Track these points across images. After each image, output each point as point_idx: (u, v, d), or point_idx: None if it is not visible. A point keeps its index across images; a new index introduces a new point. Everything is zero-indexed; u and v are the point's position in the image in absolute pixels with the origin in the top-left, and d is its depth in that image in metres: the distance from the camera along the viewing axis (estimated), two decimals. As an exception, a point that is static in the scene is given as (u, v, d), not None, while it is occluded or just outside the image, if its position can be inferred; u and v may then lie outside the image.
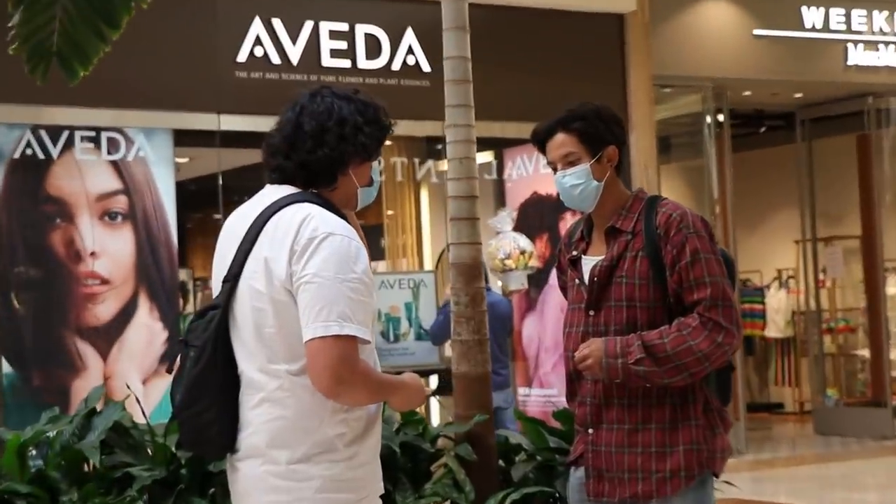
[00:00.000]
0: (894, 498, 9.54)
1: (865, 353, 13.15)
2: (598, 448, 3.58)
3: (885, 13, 12.16)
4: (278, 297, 2.91)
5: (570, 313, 3.69)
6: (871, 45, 12.10)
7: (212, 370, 2.96)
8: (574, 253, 3.71)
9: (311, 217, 2.93)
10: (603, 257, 3.59)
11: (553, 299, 10.84)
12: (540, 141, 3.72)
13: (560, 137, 3.64)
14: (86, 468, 4.54)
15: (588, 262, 3.64)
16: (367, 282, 2.92)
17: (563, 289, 3.84)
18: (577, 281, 3.66)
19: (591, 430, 3.60)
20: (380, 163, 3.22)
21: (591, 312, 3.59)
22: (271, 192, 3.07)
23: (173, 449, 4.50)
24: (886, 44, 12.18)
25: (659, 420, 3.51)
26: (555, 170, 3.68)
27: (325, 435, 2.93)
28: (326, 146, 3.03)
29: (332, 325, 2.83)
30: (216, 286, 3.08)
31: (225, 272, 3.04)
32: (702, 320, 3.43)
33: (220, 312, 2.99)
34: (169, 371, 3.12)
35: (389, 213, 11.61)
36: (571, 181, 3.62)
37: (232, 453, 3.02)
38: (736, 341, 3.48)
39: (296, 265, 2.88)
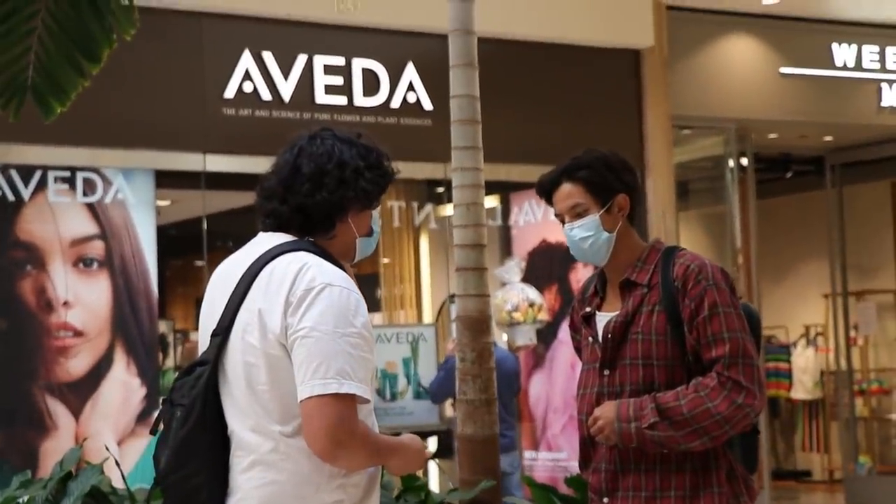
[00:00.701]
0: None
1: (904, 416, 13.18)
2: None
3: (923, 50, 12.26)
4: (272, 351, 2.93)
5: (584, 374, 3.72)
6: (907, 85, 12.20)
7: (201, 430, 2.98)
8: (587, 309, 3.74)
9: (308, 267, 2.96)
10: (618, 313, 3.61)
11: (562, 355, 10.84)
12: (546, 192, 3.78)
13: (566, 188, 3.70)
14: (60, 538, 4.54)
15: (602, 319, 3.68)
16: (367, 336, 2.95)
17: (578, 349, 3.87)
18: (590, 339, 3.69)
19: (606, 499, 3.61)
20: (379, 212, 3.25)
21: (606, 372, 3.61)
22: (265, 240, 3.11)
23: (156, 516, 4.49)
24: (923, 83, 12.28)
25: (679, 487, 3.53)
26: (563, 222, 3.71)
27: (322, 503, 2.93)
28: (325, 189, 3.07)
29: (331, 382, 2.85)
30: (203, 340, 3.10)
31: (214, 325, 3.06)
32: (720, 380, 3.45)
33: (209, 368, 3.01)
34: (152, 432, 3.13)
35: (386, 261, 11.63)
36: (581, 234, 3.66)
37: (225, 523, 3.03)
38: (758, 402, 3.50)
39: (291, 318, 2.91)
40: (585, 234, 3.65)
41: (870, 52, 11.98)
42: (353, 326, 2.91)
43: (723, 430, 3.45)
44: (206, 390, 2.99)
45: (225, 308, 3.04)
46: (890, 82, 12.09)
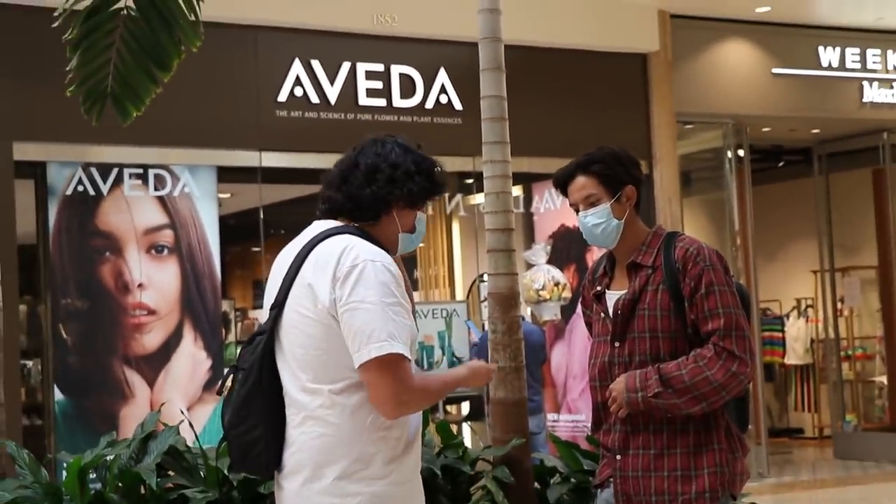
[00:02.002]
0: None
1: (883, 379, 13.08)
2: (625, 474, 3.63)
3: (900, 52, 12.19)
4: (323, 321, 2.96)
5: (596, 345, 3.75)
6: (886, 83, 12.12)
7: (258, 390, 3.02)
8: (598, 288, 3.77)
9: (352, 247, 3.00)
10: (626, 291, 3.65)
11: (580, 328, 10.85)
12: (561, 184, 3.80)
13: (580, 180, 3.73)
14: (142, 490, 4.57)
15: (612, 297, 3.71)
16: (406, 305, 2.99)
17: (589, 324, 3.89)
18: (602, 315, 3.72)
19: (619, 457, 3.64)
20: (425, 215, 3.28)
21: (617, 344, 3.65)
22: (317, 226, 3.15)
23: (225, 471, 4.54)
24: (901, 81, 12.21)
25: (683, 445, 3.56)
26: (577, 211, 3.74)
27: (366, 452, 2.96)
28: (376, 184, 3.11)
29: (384, 344, 2.89)
30: (265, 313, 3.14)
31: (272, 300, 3.09)
32: (716, 350, 3.49)
33: (266, 336, 3.06)
34: (219, 393, 3.17)
35: (421, 245, 11.65)
36: (593, 221, 3.70)
37: (278, 472, 3.05)
38: (749, 370, 3.53)
39: (340, 291, 2.94)
40: (597, 221, 3.69)
41: (852, 54, 11.92)
42: (394, 296, 2.95)
43: (720, 395, 3.48)
44: (263, 356, 3.04)
45: (281, 284, 3.08)
46: (870, 80, 12.03)
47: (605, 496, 3.72)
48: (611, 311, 3.67)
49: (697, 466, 3.54)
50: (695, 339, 3.55)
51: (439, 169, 3.20)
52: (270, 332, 3.04)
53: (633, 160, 3.80)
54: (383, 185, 3.10)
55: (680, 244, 3.61)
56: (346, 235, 3.03)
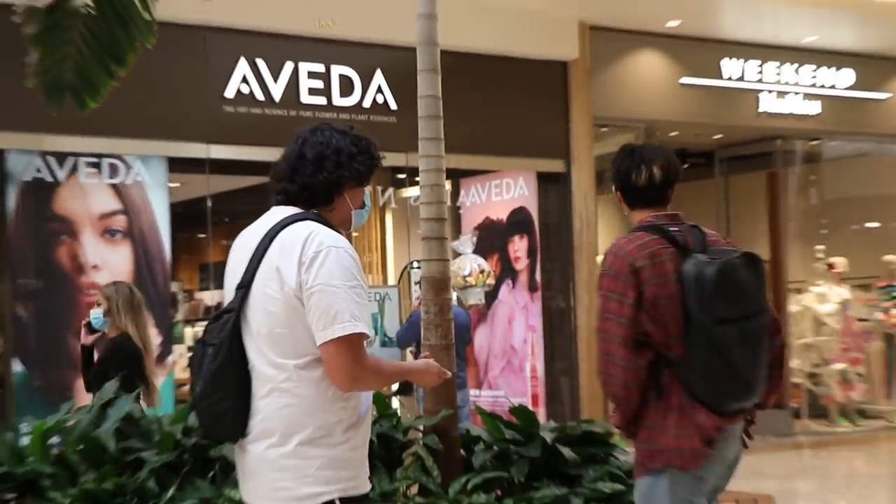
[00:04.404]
0: (791, 486, 9.72)
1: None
2: None
3: (794, 66, 12.41)
4: (288, 301, 2.98)
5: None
6: (781, 94, 12.34)
7: (227, 365, 3.03)
8: None
9: (316, 233, 3.01)
10: None
11: (501, 312, 10.95)
12: None
13: None
14: (102, 453, 4.57)
15: None
16: (365, 287, 3.03)
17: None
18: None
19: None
20: (370, 190, 3.32)
21: None
22: (278, 212, 3.15)
23: (178, 436, 4.55)
24: (794, 93, 12.43)
25: (638, 417, 3.64)
26: None
27: (328, 421, 3.00)
28: (325, 171, 3.12)
29: (347, 324, 2.92)
30: (228, 292, 3.14)
31: (238, 280, 3.11)
32: None
33: (234, 315, 3.06)
34: (188, 367, 3.18)
35: (356, 234, 11.65)
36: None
37: (243, 437, 3.08)
38: (611, 371, 3.57)
39: (305, 275, 2.96)
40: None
41: (752, 67, 12.12)
42: (355, 279, 2.98)
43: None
44: (232, 333, 3.04)
45: (247, 266, 3.08)
46: (767, 91, 12.25)
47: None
48: None
49: (640, 437, 3.66)
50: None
51: (374, 143, 3.25)
52: (238, 310, 3.05)
53: (617, 169, 3.88)
54: (333, 170, 3.12)
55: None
56: (309, 222, 3.05)
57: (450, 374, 3.40)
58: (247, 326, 3.06)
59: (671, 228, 3.69)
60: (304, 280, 2.96)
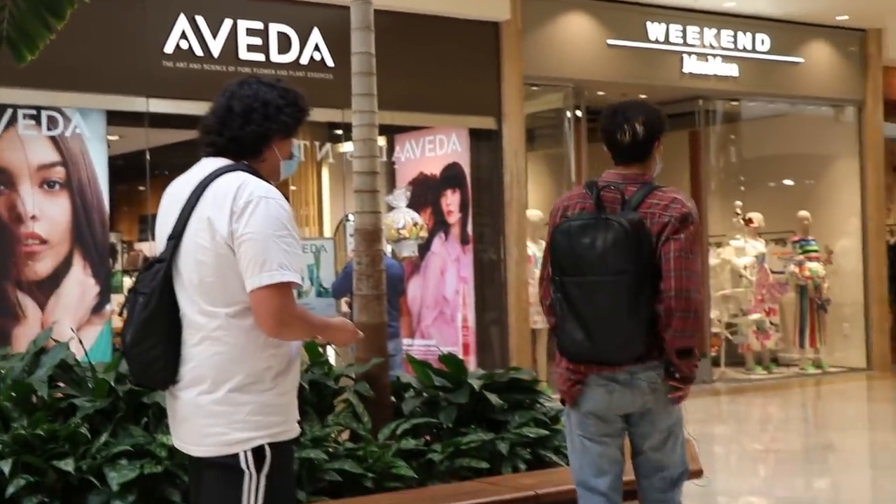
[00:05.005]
0: (710, 430, 9.87)
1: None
2: None
3: (714, 30, 12.46)
4: (220, 251, 2.93)
5: None
6: (703, 57, 12.40)
7: (158, 313, 2.98)
8: None
9: (247, 183, 2.97)
10: None
11: (434, 264, 10.94)
12: None
13: None
14: (34, 399, 4.48)
15: None
16: (296, 237, 2.99)
17: None
18: None
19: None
20: (299, 142, 3.26)
21: None
22: (208, 164, 3.09)
23: (112, 384, 4.46)
24: (714, 56, 12.49)
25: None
26: None
27: (256, 368, 2.97)
28: (253, 123, 3.07)
29: (275, 273, 2.88)
30: (160, 243, 3.09)
31: (169, 231, 3.05)
32: None
33: (165, 265, 3.01)
34: (119, 315, 3.13)
35: (293, 188, 11.56)
36: None
37: (174, 384, 3.03)
38: None
39: (236, 224, 2.91)
40: None
41: (675, 30, 12.15)
42: (286, 229, 2.94)
43: None
44: (164, 282, 2.99)
45: (178, 217, 3.02)
46: (689, 54, 12.29)
47: None
48: None
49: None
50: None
51: (301, 95, 3.18)
52: (169, 260, 3.00)
53: (603, 129, 3.92)
54: (260, 123, 3.07)
55: None
56: (240, 173, 3.00)
57: (362, 335, 3.36)
58: (178, 276, 3.02)
59: (608, 186, 3.77)
60: (235, 229, 2.91)
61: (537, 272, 3.97)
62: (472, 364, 10.19)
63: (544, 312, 3.91)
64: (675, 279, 3.62)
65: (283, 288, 2.90)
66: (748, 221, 13.13)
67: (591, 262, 3.64)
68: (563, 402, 3.88)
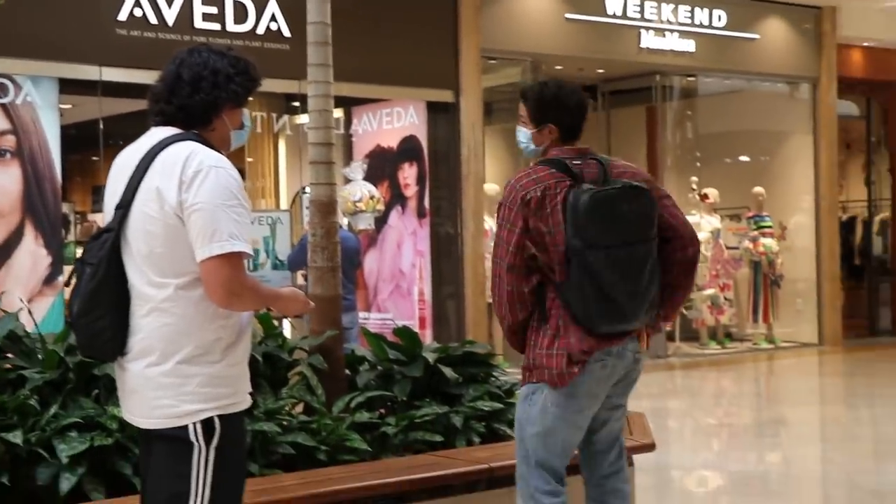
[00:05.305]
0: (663, 405, 9.95)
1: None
2: None
3: (672, 5, 12.47)
4: (169, 221, 2.89)
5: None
6: (660, 32, 12.41)
7: (106, 284, 2.94)
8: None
9: (196, 153, 2.93)
10: None
11: (391, 237, 10.91)
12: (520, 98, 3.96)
13: (522, 103, 3.91)
14: (-18, 371, 4.40)
15: None
16: (246, 206, 2.95)
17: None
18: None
19: None
20: (251, 112, 3.22)
21: None
22: (157, 133, 3.04)
23: (61, 354, 4.40)
24: (672, 31, 12.51)
25: (527, 335, 3.77)
26: None
27: (205, 339, 2.94)
28: (202, 92, 3.02)
29: (225, 243, 2.85)
30: (108, 212, 3.04)
31: (117, 200, 3.00)
32: None
33: (113, 235, 2.96)
34: (66, 285, 3.08)
35: (250, 160, 11.48)
36: (519, 137, 3.91)
37: (122, 356, 2.99)
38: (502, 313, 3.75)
39: (185, 194, 2.87)
40: (522, 139, 3.90)
41: (633, 5, 12.15)
42: (236, 199, 2.90)
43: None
44: (111, 252, 2.95)
45: (126, 186, 2.98)
46: (647, 29, 12.30)
47: None
48: None
49: (526, 354, 3.76)
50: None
51: (252, 64, 3.14)
52: (117, 230, 2.96)
53: (563, 104, 3.81)
54: (210, 91, 3.02)
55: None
56: (190, 142, 2.95)
57: (313, 304, 3.33)
58: (126, 246, 2.97)
59: (574, 162, 3.74)
60: (184, 199, 2.87)
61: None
62: (428, 338, 10.19)
63: (514, 303, 3.67)
64: (687, 225, 3.90)
65: (234, 258, 2.87)
66: (704, 197, 13.20)
67: (630, 230, 3.65)
68: (553, 384, 3.67)
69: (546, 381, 3.70)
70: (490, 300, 10.90)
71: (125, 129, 9.38)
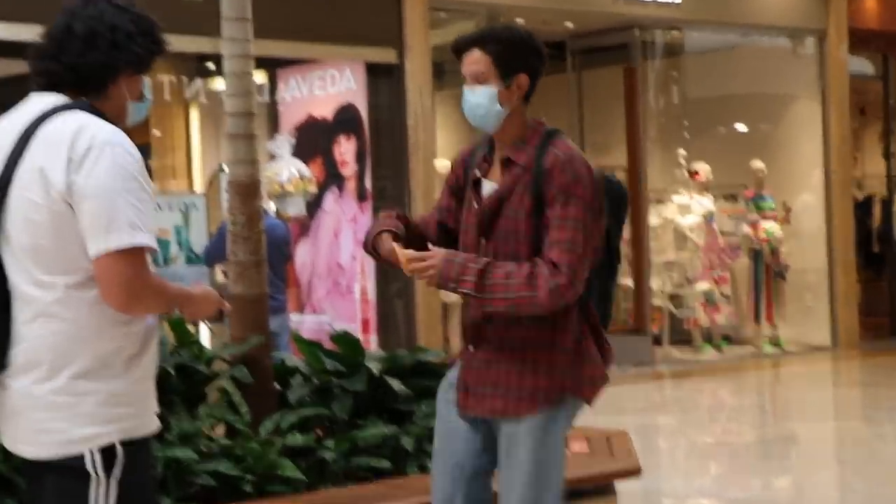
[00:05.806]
0: (650, 421, 10.01)
1: (629, 282, 13.55)
2: (470, 365, 3.66)
3: (654, -54, 12.54)
4: (56, 207, 2.86)
5: (464, 233, 3.70)
6: (641, -22, 12.47)
7: None
8: (477, 173, 3.71)
9: (87, 126, 2.89)
10: (497, 188, 3.63)
11: (326, 225, 10.90)
12: (457, 52, 3.71)
13: (475, 54, 3.63)
14: None
15: (487, 186, 3.68)
16: (149, 190, 2.93)
17: (448, 208, 3.84)
18: (474, 203, 3.68)
19: (471, 347, 3.68)
20: (150, 82, 3.17)
21: (483, 240, 3.62)
22: (38, 101, 3.01)
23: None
24: (654, -23, 12.58)
25: (530, 341, 3.56)
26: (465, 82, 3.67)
27: (104, 349, 2.91)
28: (98, 50, 2.99)
29: (124, 235, 2.82)
30: (-20, 198, 2.99)
31: None
32: (545, 260, 3.46)
33: None
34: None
35: (157, 133, 11.42)
36: (476, 100, 3.63)
37: (1, 370, 2.95)
38: (568, 286, 3.46)
39: (75, 175, 2.84)
40: (480, 101, 3.62)
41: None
42: (136, 181, 2.88)
43: (533, 308, 3.46)
44: None
45: (4, 167, 2.94)
46: (623, -25, 12.35)
47: (450, 377, 3.75)
48: (483, 202, 3.66)
49: (538, 363, 3.55)
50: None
51: (158, 25, 3.12)
52: None
53: (536, 48, 3.70)
54: (106, 51, 3.00)
55: (553, 149, 3.56)
56: (78, 113, 2.93)
57: (229, 306, 3.30)
58: (5, 238, 2.94)
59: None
60: (73, 182, 2.84)
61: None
62: (372, 344, 10.20)
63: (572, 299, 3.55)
64: None
65: (134, 253, 2.84)
66: (694, 174, 13.30)
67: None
68: (587, 399, 3.65)
69: (570, 390, 3.58)
70: (444, 300, 10.94)
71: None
